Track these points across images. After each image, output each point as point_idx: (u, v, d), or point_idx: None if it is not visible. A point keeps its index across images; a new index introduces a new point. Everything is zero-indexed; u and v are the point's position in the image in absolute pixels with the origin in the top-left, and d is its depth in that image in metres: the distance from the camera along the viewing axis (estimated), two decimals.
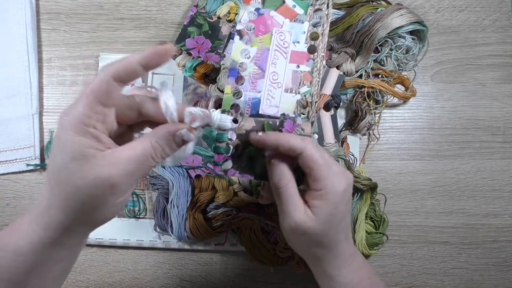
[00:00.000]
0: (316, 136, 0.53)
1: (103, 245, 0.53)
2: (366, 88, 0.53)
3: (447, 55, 0.59)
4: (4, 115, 0.55)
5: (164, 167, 0.53)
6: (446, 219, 0.55)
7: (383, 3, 0.56)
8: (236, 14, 0.57)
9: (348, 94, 0.55)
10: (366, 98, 0.54)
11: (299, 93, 0.38)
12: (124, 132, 0.33)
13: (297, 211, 0.35)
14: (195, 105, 0.54)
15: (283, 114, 0.38)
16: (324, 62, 0.39)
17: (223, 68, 0.54)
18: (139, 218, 0.54)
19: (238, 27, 0.39)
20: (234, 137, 0.38)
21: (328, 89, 0.54)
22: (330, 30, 0.55)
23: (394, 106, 0.58)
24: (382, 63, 0.55)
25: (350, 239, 0.38)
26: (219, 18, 0.57)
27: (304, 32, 0.39)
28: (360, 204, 0.52)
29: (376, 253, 0.53)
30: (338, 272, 0.37)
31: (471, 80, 0.58)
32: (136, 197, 0.54)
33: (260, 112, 0.38)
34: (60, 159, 0.27)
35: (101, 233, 0.53)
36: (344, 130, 0.56)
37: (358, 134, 0.56)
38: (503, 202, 0.56)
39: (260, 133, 0.37)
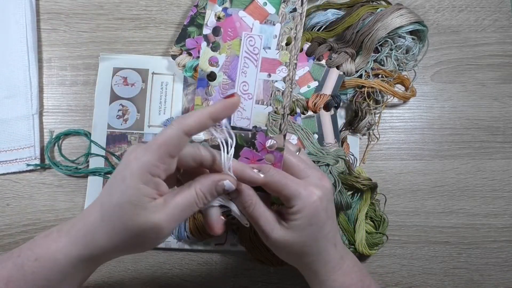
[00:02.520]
0: (316, 136, 0.53)
1: None
2: (366, 88, 0.54)
3: (447, 55, 0.59)
4: (4, 115, 0.55)
5: None
6: (446, 219, 0.55)
7: (383, 3, 0.56)
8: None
9: (348, 94, 0.55)
10: (366, 98, 0.54)
11: (270, 104, 0.36)
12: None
13: (274, 229, 0.36)
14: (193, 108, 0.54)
15: (255, 127, 0.36)
16: (296, 72, 0.36)
17: None
18: None
19: (205, 31, 0.36)
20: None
21: (328, 89, 0.54)
22: (330, 30, 0.56)
23: (394, 106, 0.58)
24: (382, 63, 0.55)
25: (339, 243, 0.38)
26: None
27: (276, 36, 0.35)
28: (360, 204, 0.52)
29: (376, 253, 0.53)
30: (328, 277, 0.37)
31: (471, 80, 0.58)
32: None
33: (231, 124, 0.36)
34: (118, 198, 0.31)
35: None
36: (344, 130, 0.56)
37: (358, 134, 0.56)
38: (503, 202, 0.56)
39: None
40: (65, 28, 0.58)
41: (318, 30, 0.56)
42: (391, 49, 0.55)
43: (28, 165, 0.54)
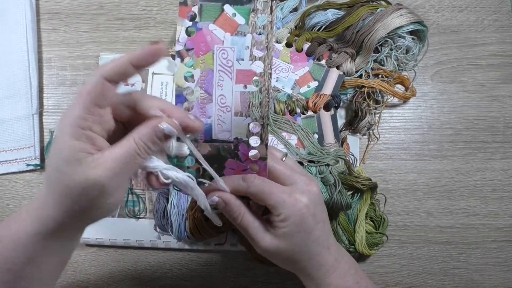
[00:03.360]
0: (316, 136, 0.53)
1: (103, 245, 0.53)
2: (366, 88, 0.54)
3: (447, 55, 0.59)
4: (4, 115, 0.55)
5: None
6: (446, 219, 0.55)
7: (383, 3, 0.56)
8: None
9: (348, 94, 0.55)
10: (366, 98, 0.54)
11: (249, 116, 0.36)
12: (122, 132, 0.34)
13: (263, 238, 0.36)
14: None
15: (236, 138, 0.36)
16: (271, 81, 0.36)
17: None
18: (139, 218, 0.54)
19: (177, 48, 0.36)
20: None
21: (328, 89, 0.54)
22: (330, 30, 0.56)
23: (394, 106, 0.58)
24: (382, 63, 0.55)
25: (332, 246, 0.38)
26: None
27: (248, 47, 0.35)
28: (360, 204, 0.52)
29: (376, 253, 0.53)
30: (322, 280, 0.38)
31: (471, 80, 0.58)
32: (136, 197, 0.54)
33: (213, 137, 0.36)
34: (55, 161, 0.29)
35: (101, 233, 0.53)
36: (344, 130, 0.56)
37: (358, 134, 0.56)
38: (503, 202, 0.56)
39: (207, 183, 0.36)
40: (65, 28, 0.58)
41: (318, 30, 0.56)
42: (391, 49, 0.55)
43: (28, 165, 0.54)
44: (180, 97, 0.36)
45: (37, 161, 0.54)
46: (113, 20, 0.58)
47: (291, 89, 0.54)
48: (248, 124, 0.36)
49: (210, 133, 0.36)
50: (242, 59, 0.35)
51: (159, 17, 0.59)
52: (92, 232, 0.52)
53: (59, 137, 0.29)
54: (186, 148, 0.35)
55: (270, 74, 0.35)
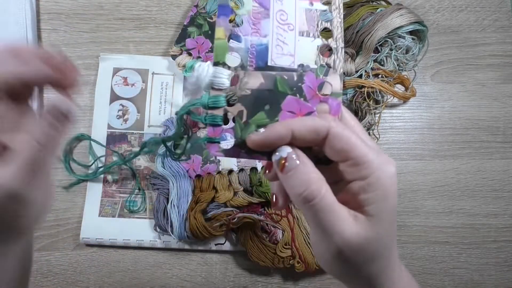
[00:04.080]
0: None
1: (103, 245, 0.53)
2: (366, 88, 0.54)
3: (447, 55, 0.59)
4: None
5: (164, 167, 0.53)
6: (446, 219, 0.55)
7: (383, 3, 0.56)
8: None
9: (348, 94, 0.55)
10: (366, 98, 0.54)
11: (318, 36, 0.28)
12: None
13: (344, 225, 0.24)
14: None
15: (301, 65, 0.27)
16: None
17: None
18: (139, 218, 0.54)
19: None
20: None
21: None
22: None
23: (394, 106, 0.58)
24: (382, 63, 0.55)
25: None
26: None
27: None
28: None
29: None
30: None
31: (471, 80, 0.58)
32: (136, 197, 0.54)
33: (269, 63, 0.27)
34: None
35: (101, 233, 0.53)
36: None
37: None
38: (503, 202, 0.56)
39: (261, 129, 0.25)
40: (65, 28, 0.58)
41: None
42: (391, 49, 0.55)
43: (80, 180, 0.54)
44: (225, 8, 0.28)
45: None
46: (113, 20, 0.58)
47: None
48: (318, 47, 0.28)
49: (265, 56, 0.27)
50: None
51: (159, 17, 0.59)
52: (92, 232, 0.52)
53: None
54: (226, 78, 0.26)
55: None
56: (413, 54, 0.55)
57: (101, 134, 0.55)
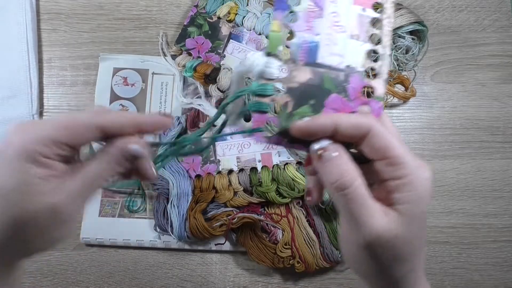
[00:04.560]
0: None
1: (103, 245, 0.53)
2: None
3: (447, 55, 0.59)
4: (4, 115, 0.55)
5: (164, 167, 0.53)
6: (446, 219, 0.55)
7: None
8: (236, 14, 0.56)
9: None
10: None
11: (368, 42, 0.29)
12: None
13: (375, 218, 0.24)
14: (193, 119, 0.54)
15: (348, 66, 0.28)
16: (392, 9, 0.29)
17: (223, 68, 0.54)
18: (139, 218, 0.54)
19: None
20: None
21: None
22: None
23: (394, 106, 0.58)
24: None
25: None
26: (219, 18, 0.57)
27: None
28: None
29: None
30: None
31: (471, 80, 0.58)
32: (136, 197, 0.54)
33: (318, 61, 0.28)
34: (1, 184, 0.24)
35: (101, 233, 0.53)
36: None
37: None
38: (503, 202, 0.56)
39: (306, 118, 0.26)
40: (65, 28, 0.58)
41: None
42: (391, 49, 0.55)
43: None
44: (282, 4, 0.28)
45: None
46: (113, 20, 0.58)
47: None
48: (367, 52, 0.29)
49: (315, 54, 0.28)
50: None
51: (159, 17, 0.59)
52: (92, 232, 0.52)
53: (10, 155, 0.24)
54: (277, 69, 0.27)
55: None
56: (413, 54, 0.55)
57: None
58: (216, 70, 0.53)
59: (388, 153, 0.25)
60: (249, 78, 0.28)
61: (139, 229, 0.53)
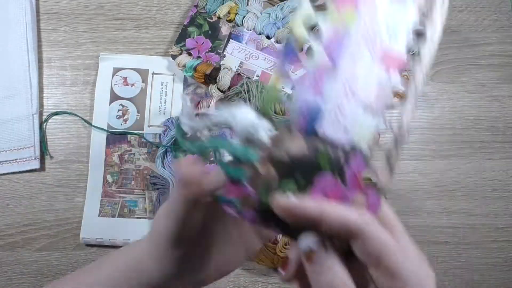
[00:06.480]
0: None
1: (103, 245, 0.53)
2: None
3: (447, 55, 0.59)
4: (4, 115, 0.55)
5: (164, 167, 0.53)
6: (446, 219, 0.55)
7: None
8: (236, 14, 0.56)
9: None
10: None
11: (382, 117, 0.24)
12: None
13: None
14: (197, 105, 0.54)
15: (352, 144, 0.23)
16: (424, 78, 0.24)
17: (224, 68, 0.54)
18: (139, 218, 0.54)
19: None
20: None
21: None
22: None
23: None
24: None
25: None
26: (219, 18, 0.57)
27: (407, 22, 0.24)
28: None
29: None
30: None
31: (471, 80, 0.58)
32: (136, 197, 0.54)
33: (317, 129, 0.22)
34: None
35: (101, 233, 0.53)
36: None
37: None
38: (503, 202, 0.56)
39: (290, 196, 0.21)
40: (65, 28, 0.58)
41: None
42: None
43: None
44: (290, 53, 0.23)
45: (37, 161, 0.54)
46: (113, 20, 0.58)
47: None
48: (379, 130, 0.24)
49: (315, 121, 0.22)
50: (395, 36, 0.25)
51: (159, 17, 0.59)
52: (92, 232, 0.52)
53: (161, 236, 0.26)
54: (264, 131, 0.22)
55: (427, 67, 0.25)
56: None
57: (101, 134, 0.55)
58: (216, 70, 0.53)
59: (383, 261, 0.21)
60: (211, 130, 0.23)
61: (139, 229, 0.53)
